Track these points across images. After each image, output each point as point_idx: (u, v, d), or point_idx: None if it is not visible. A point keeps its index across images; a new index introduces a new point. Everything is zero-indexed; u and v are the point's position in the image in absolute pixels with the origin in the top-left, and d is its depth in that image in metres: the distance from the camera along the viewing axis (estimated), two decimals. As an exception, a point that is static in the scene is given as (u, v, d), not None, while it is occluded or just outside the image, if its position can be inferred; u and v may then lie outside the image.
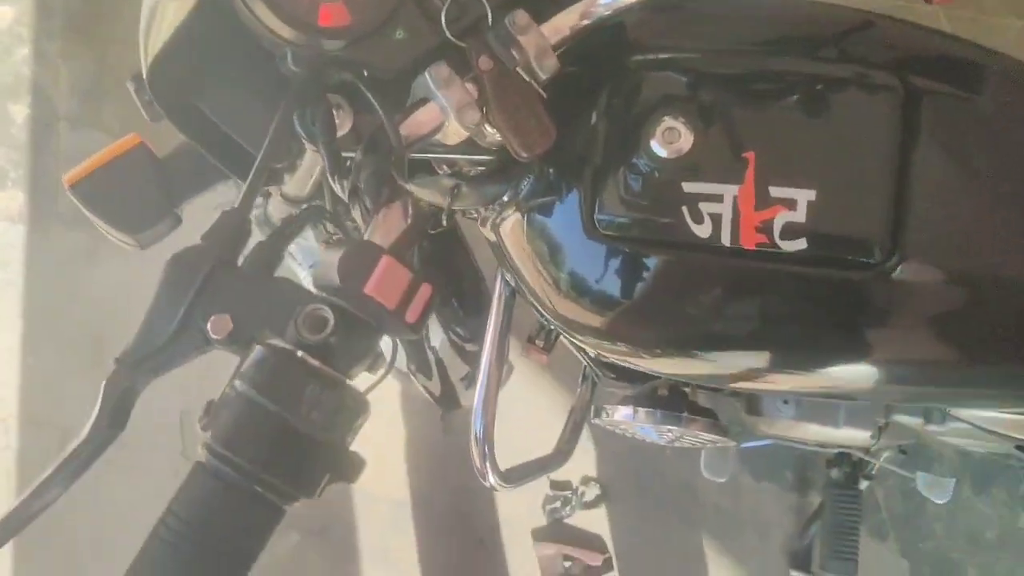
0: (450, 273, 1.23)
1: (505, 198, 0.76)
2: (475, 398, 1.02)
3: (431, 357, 1.26)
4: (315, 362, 0.44)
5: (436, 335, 1.25)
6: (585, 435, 1.27)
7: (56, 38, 2.15)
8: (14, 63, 2.15)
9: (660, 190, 0.65)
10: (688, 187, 0.64)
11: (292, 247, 1.50)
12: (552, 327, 0.95)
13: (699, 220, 0.64)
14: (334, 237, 0.93)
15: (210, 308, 0.45)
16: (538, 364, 1.04)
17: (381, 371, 0.51)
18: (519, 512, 1.70)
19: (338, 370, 0.45)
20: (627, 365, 0.80)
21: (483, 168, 0.75)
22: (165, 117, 0.63)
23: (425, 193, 0.81)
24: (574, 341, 0.86)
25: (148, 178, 0.74)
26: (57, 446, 1.77)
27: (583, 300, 0.73)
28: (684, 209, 0.64)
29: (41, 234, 1.98)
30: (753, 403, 1.14)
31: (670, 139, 0.64)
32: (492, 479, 1.04)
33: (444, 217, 0.83)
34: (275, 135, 0.55)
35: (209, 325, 0.45)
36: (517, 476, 1.10)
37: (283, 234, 0.54)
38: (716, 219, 0.64)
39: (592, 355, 1.01)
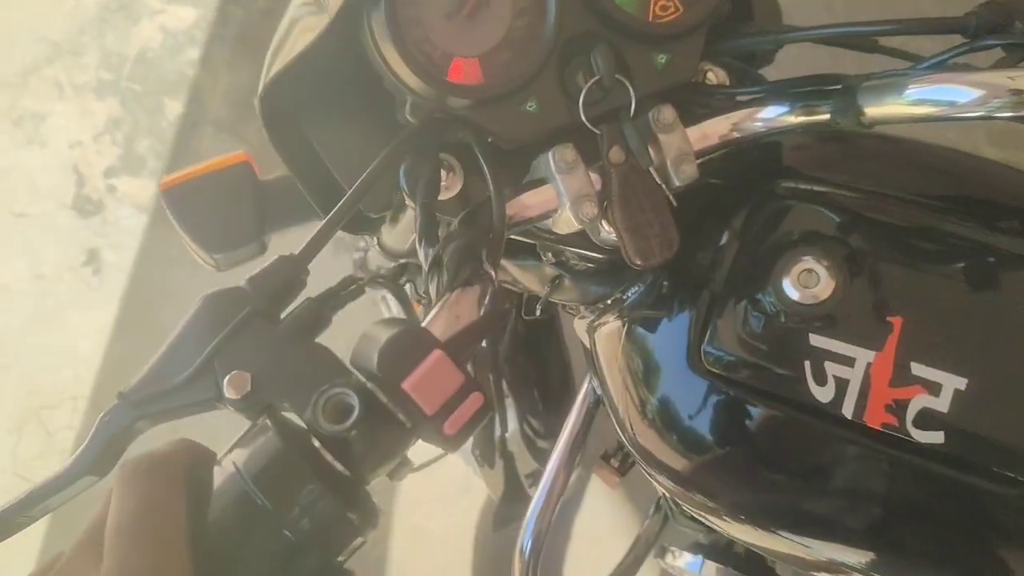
0: (538, 361, 1.16)
1: (609, 301, 0.69)
2: (531, 505, 0.94)
3: (497, 447, 1.19)
4: (327, 455, 0.38)
5: (510, 422, 1.18)
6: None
7: (226, 46, 2.23)
8: (181, 62, 2.23)
9: (783, 336, 0.56)
10: (816, 340, 0.55)
11: (387, 295, 1.47)
12: (633, 459, 0.87)
13: (821, 381, 0.55)
14: (423, 301, 0.87)
15: (233, 361, 0.40)
16: (607, 483, 0.94)
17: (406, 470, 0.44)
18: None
19: (352, 470, 0.38)
20: (699, 519, 0.71)
21: (591, 264, 0.69)
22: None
23: (524, 277, 0.75)
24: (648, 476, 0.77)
25: (244, 198, 0.71)
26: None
27: (668, 435, 0.64)
28: (807, 364, 0.55)
29: (160, 228, 2.02)
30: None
31: (807, 282, 0.55)
32: (529, 598, 0.95)
33: (539, 306, 0.76)
34: (368, 180, 0.50)
35: (227, 380, 0.39)
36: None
37: (338, 295, 0.48)
38: (842, 385, 0.55)
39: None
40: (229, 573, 0.34)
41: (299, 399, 0.39)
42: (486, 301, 0.43)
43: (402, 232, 0.69)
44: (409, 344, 0.38)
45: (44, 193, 2.09)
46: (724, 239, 0.61)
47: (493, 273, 0.46)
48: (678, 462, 0.64)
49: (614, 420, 0.72)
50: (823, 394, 0.55)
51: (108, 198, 2.07)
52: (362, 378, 0.39)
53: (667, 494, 0.72)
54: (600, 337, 0.70)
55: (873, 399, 0.54)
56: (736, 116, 0.58)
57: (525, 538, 0.93)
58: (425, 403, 0.36)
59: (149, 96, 2.19)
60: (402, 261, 0.82)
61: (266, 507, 0.35)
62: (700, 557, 0.97)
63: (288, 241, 0.74)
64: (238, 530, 0.35)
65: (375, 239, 0.75)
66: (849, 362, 0.55)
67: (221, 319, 0.41)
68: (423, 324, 0.41)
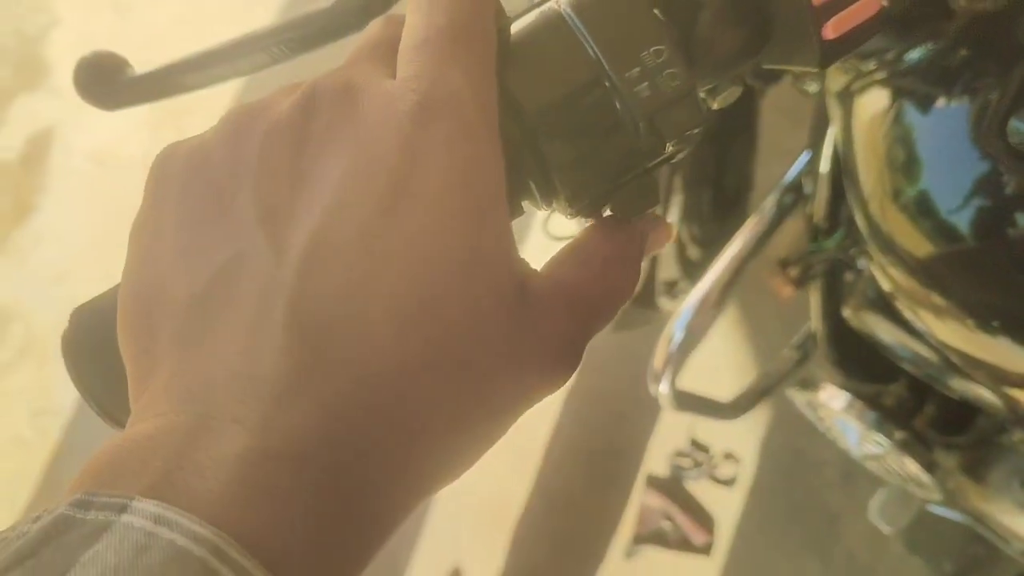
0: (722, 159, 1.05)
1: (888, 56, 0.57)
2: (693, 293, 0.86)
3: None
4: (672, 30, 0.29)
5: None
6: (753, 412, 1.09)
7: None
8: None
9: None
10: None
11: None
12: (830, 252, 0.78)
13: None
14: None
15: None
16: (777, 294, 0.86)
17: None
18: (641, 447, 1.54)
19: (687, 60, 0.28)
20: (911, 319, 0.62)
21: (884, 3, 0.56)
22: None
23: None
24: (869, 267, 0.68)
25: None
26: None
27: (925, 221, 0.55)
28: None
29: None
30: (982, 466, 0.93)
31: None
32: (664, 387, 0.89)
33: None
34: None
35: None
36: (685, 401, 0.95)
37: None
38: None
39: (848, 312, 0.83)
40: (532, 135, 0.26)
41: None
42: None
43: None
44: None
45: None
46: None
47: None
48: (927, 249, 0.55)
49: (852, 199, 0.62)
50: None
51: None
52: None
53: (888, 287, 0.63)
54: (860, 106, 0.59)
55: None
56: None
57: (678, 325, 0.86)
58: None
59: None
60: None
61: (599, 60, 0.26)
62: (851, 396, 0.90)
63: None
64: (554, 85, 0.26)
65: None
66: None
67: None
68: None
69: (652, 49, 0.26)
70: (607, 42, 0.27)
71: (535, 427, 1.57)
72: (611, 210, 0.29)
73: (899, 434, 0.90)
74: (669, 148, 0.28)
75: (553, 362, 0.26)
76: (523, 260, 0.26)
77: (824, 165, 0.80)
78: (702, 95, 0.32)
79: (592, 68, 0.27)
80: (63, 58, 2.06)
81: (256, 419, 0.21)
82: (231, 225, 0.24)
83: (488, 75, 0.26)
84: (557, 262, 0.28)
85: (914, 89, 0.55)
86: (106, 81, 0.47)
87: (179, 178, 0.26)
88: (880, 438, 0.90)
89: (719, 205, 1.09)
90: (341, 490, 0.22)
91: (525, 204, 0.30)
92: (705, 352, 1.46)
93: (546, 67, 0.27)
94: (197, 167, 0.26)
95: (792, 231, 0.89)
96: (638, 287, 1.20)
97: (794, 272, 0.86)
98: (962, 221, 0.53)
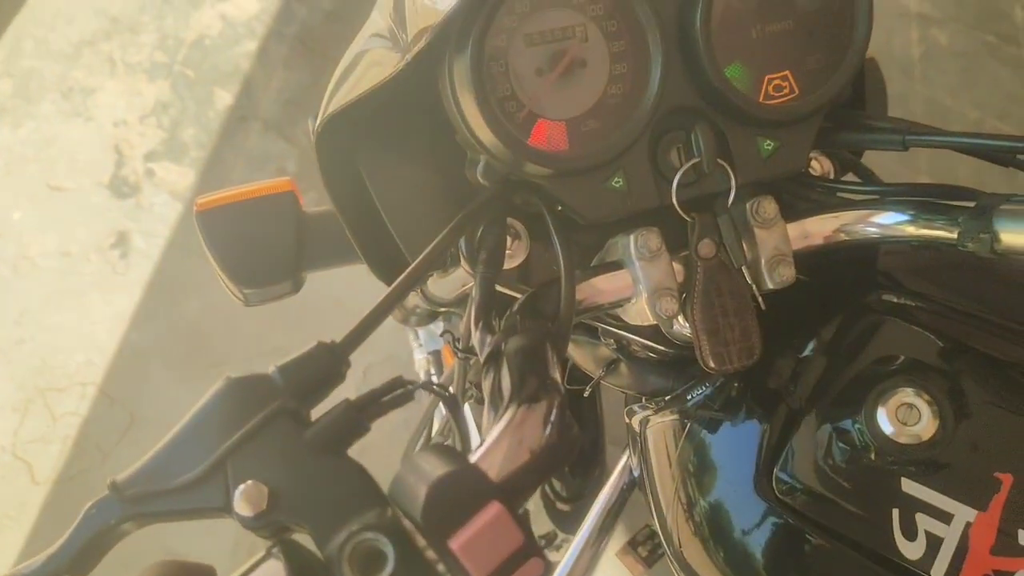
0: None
1: (668, 397, 0.62)
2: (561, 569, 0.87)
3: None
4: None
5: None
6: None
7: (285, 43, 2.19)
8: (237, 53, 2.19)
9: (871, 476, 0.49)
10: (910, 487, 0.48)
11: (419, 332, 1.40)
12: (664, 552, 0.80)
13: (911, 535, 0.48)
14: (470, 392, 0.80)
15: (249, 468, 0.33)
16: (630, 573, 0.87)
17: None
18: None
19: None
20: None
21: (654, 355, 0.62)
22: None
23: (577, 354, 0.68)
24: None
25: (284, 230, 0.65)
26: (121, 430, 1.72)
27: (716, 550, 0.57)
28: (895, 513, 0.48)
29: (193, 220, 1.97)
30: None
31: (906, 418, 0.48)
32: None
33: (589, 388, 0.69)
34: (427, 257, 0.43)
35: (239, 491, 0.33)
36: None
37: (380, 400, 0.40)
38: (934, 543, 0.48)
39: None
40: None
41: (323, 528, 0.32)
42: (552, 419, 0.37)
43: (451, 283, 0.62)
44: (462, 490, 0.31)
45: (82, 169, 2.05)
46: (809, 350, 0.55)
47: (560, 380, 0.39)
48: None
49: (655, 518, 0.65)
50: (911, 550, 0.48)
51: (146, 182, 2.03)
52: (399, 516, 0.32)
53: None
54: (654, 432, 0.63)
55: (970, 566, 0.47)
56: (846, 217, 0.51)
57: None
58: (475, 567, 0.30)
59: (201, 84, 2.15)
60: (443, 310, 0.76)
61: None
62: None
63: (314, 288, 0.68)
64: None
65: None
66: (946, 518, 0.48)
67: (242, 412, 0.34)
68: (479, 451, 0.35)
69: None
70: None
71: None
72: None
73: None
74: None
75: None
76: None
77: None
78: None
79: None
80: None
81: None
82: None
83: None
84: None
85: (703, 420, 0.59)
86: None
87: None
88: None
89: (577, 463, 1.12)
90: None
91: None
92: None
93: None
94: None
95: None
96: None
97: (644, 552, 0.87)
98: (739, 555, 0.55)
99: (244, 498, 0.33)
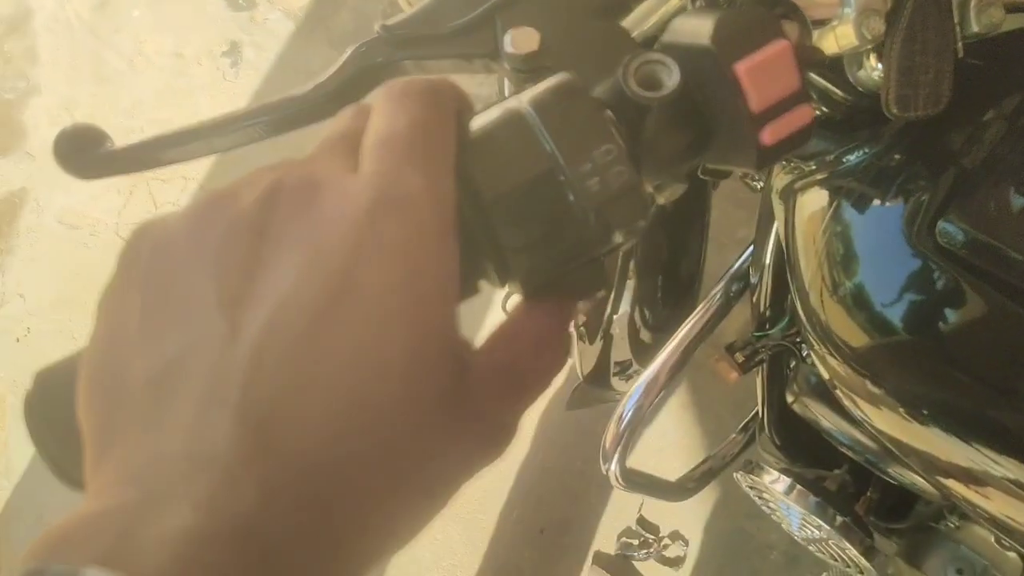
0: (674, 246, 1.10)
1: (828, 158, 0.62)
2: (643, 376, 0.90)
3: (603, 325, 1.14)
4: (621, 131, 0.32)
5: (623, 304, 1.13)
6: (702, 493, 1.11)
7: None
8: None
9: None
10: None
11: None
12: (775, 339, 0.82)
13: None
14: None
15: (519, 18, 0.34)
16: (723, 378, 0.90)
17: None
18: (592, 525, 1.56)
19: (634, 159, 0.32)
20: (848, 407, 0.65)
21: (824, 110, 0.62)
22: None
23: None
24: (811, 354, 0.71)
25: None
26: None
27: (860, 314, 0.58)
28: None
29: (303, 40, 1.97)
30: (919, 552, 0.96)
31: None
32: (613, 467, 0.92)
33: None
34: None
35: (510, 33, 0.34)
36: (634, 481, 0.97)
37: None
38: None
39: (792, 397, 0.86)
40: (490, 221, 0.29)
41: (595, 66, 0.33)
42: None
43: None
44: (751, 24, 0.32)
45: (202, -24, 2.07)
46: (989, 116, 0.54)
47: None
48: (865, 341, 0.58)
49: (794, 289, 0.66)
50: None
51: (262, -2, 2.04)
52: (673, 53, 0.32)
53: (827, 375, 0.66)
54: (802, 204, 0.64)
55: None
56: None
57: (628, 406, 0.89)
58: (755, 95, 0.31)
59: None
60: None
61: (554, 154, 0.29)
62: (791, 480, 0.93)
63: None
64: (511, 176, 0.29)
65: None
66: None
67: None
68: None
69: (603, 148, 0.29)
70: (562, 139, 0.29)
71: (488, 500, 1.58)
72: (562, 292, 0.31)
73: (839, 519, 0.93)
74: (616, 238, 0.30)
75: (489, 438, 0.28)
76: (464, 343, 0.28)
77: (768, 257, 0.84)
78: (649, 190, 0.35)
79: (547, 161, 0.29)
80: (40, 124, 2.09)
81: (202, 498, 0.22)
82: (191, 311, 0.25)
83: (446, 175, 0.28)
84: (491, 342, 0.30)
85: (852, 189, 0.59)
86: (86, 152, 0.49)
87: (147, 260, 0.26)
88: (821, 522, 0.93)
89: (670, 291, 1.13)
90: (279, 570, 0.22)
91: (482, 284, 0.31)
92: (656, 433, 1.50)
93: (505, 159, 0.29)
94: (164, 252, 0.26)
95: (739, 318, 0.93)
96: (590, 370, 1.22)
97: (740, 358, 0.89)
98: (894, 315, 0.56)
99: (516, 40, 0.34)
